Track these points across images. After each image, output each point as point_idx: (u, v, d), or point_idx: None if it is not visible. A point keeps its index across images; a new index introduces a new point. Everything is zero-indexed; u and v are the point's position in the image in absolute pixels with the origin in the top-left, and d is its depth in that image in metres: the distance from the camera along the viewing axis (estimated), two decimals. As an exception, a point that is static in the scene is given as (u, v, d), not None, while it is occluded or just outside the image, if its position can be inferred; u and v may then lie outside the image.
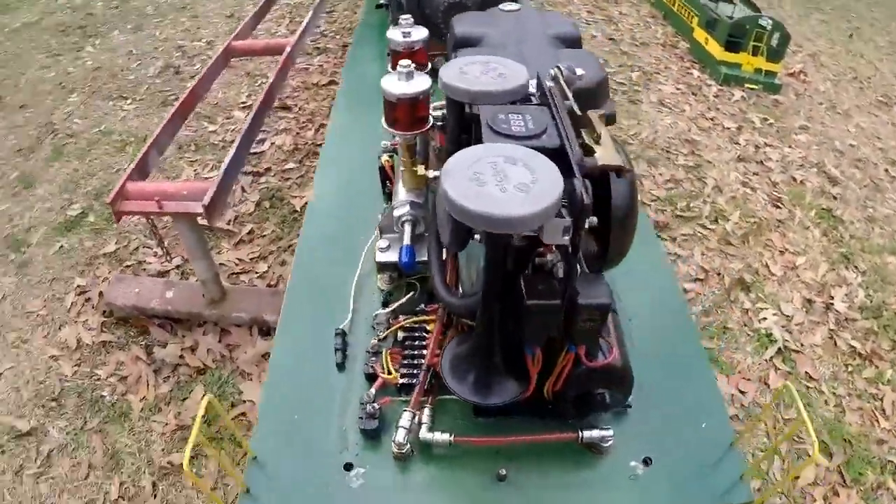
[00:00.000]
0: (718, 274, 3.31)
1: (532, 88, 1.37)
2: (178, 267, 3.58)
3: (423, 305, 1.60)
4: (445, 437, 1.34)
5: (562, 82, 1.28)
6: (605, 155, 1.11)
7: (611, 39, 5.55)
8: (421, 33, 1.82)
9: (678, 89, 4.87)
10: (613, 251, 1.20)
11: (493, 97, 1.26)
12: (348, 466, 1.36)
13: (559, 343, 1.23)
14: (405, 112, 1.54)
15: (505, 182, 0.99)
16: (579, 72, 1.29)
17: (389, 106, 1.55)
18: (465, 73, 1.31)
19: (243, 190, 4.17)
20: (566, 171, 1.03)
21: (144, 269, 3.60)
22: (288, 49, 3.84)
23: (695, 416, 1.44)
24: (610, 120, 1.46)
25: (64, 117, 5.10)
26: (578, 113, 1.20)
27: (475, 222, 0.97)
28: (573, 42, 1.72)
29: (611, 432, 1.34)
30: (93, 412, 2.86)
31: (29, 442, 2.76)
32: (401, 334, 1.55)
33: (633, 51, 5.36)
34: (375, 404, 1.40)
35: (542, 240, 1.03)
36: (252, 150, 4.44)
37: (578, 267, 1.17)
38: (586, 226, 1.04)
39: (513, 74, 1.31)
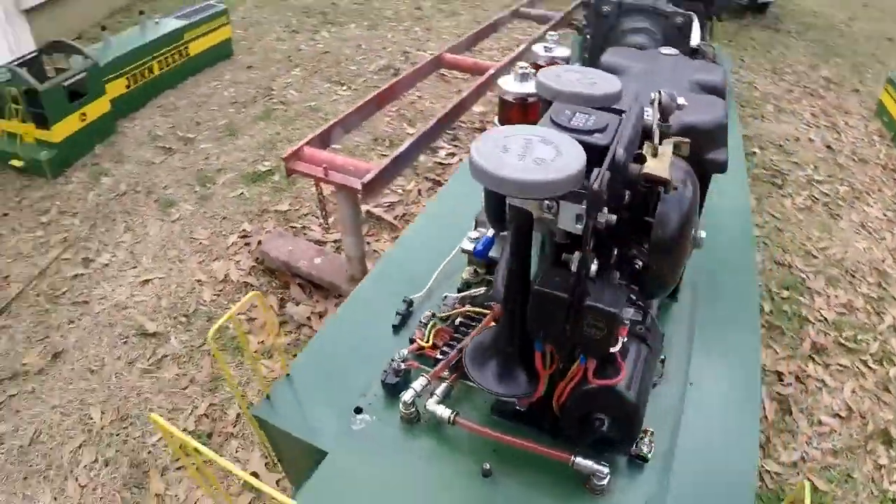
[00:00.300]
0: (863, 417, 2.94)
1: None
2: (335, 241, 3.89)
3: (492, 303, 1.64)
4: (447, 413, 1.41)
5: (657, 103, 1.33)
6: (655, 166, 1.16)
7: (828, 147, 5.20)
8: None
9: (885, 215, 4.40)
10: (652, 273, 1.23)
11: (577, 98, 1.32)
12: (358, 410, 1.50)
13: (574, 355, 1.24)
14: (518, 112, 1.67)
15: (527, 155, 1.06)
16: (680, 101, 1.33)
17: (505, 105, 1.68)
18: (560, 76, 1.39)
19: (419, 193, 4.44)
20: (598, 164, 1.08)
21: (305, 234, 3.97)
22: (490, 72, 4.09)
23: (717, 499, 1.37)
24: (718, 167, 1.57)
25: (283, 86, 5.84)
26: (654, 128, 1.25)
27: (482, 178, 1.03)
28: (714, 90, 1.75)
29: (606, 470, 1.31)
30: (214, 337, 3.19)
31: (150, 342, 3.17)
32: (459, 319, 1.64)
33: (849, 165, 4.97)
34: (403, 364, 1.52)
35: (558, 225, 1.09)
36: (438, 161, 4.78)
37: (620, 283, 1.21)
38: (602, 221, 1.07)
39: (605, 84, 1.36)
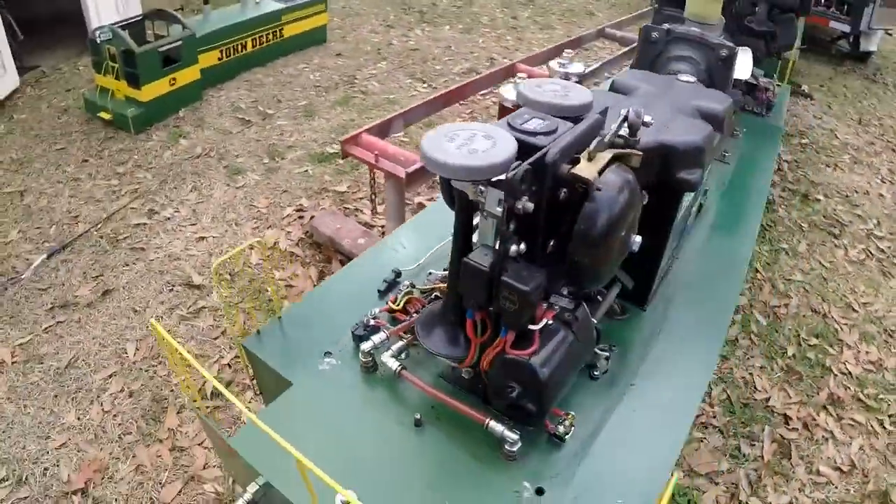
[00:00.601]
0: (865, 475, 2.73)
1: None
2: (382, 226, 4.00)
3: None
4: (395, 365, 1.61)
5: (623, 119, 1.47)
6: (583, 168, 1.33)
7: (897, 205, 4.95)
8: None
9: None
10: (576, 264, 1.38)
11: (544, 107, 1.51)
12: (327, 353, 1.72)
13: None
14: None
15: (466, 145, 1.29)
16: (647, 119, 1.48)
17: (504, 110, 1.89)
18: (539, 87, 1.58)
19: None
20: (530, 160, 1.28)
21: (356, 215, 4.10)
22: None
23: (620, 495, 1.44)
24: (688, 186, 1.72)
25: (366, 76, 6.06)
26: (607, 138, 1.41)
27: (424, 160, 1.27)
28: (713, 117, 1.89)
29: (515, 437, 1.44)
30: (252, 297, 3.36)
31: (193, 293, 3.35)
32: (436, 294, 1.81)
33: (917, 225, 4.71)
34: (373, 320, 1.74)
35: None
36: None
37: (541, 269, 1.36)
38: (520, 207, 1.24)
39: (576, 97, 1.54)
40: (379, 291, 1.92)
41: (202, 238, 3.78)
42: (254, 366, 1.80)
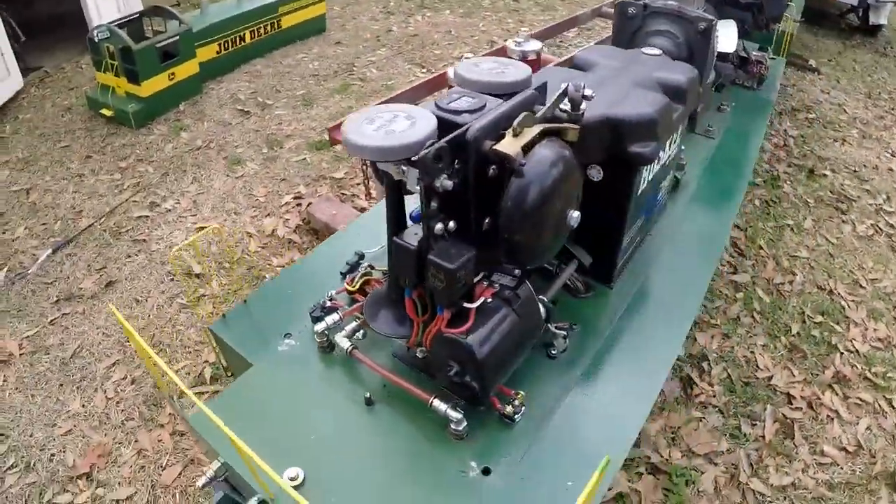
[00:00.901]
0: (872, 456, 2.69)
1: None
2: (381, 211, 4.07)
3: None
4: (347, 345, 1.66)
5: (563, 92, 1.48)
6: (507, 144, 1.32)
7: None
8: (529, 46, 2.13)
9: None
10: (506, 241, 1.38)
11: (478, 85, 1.52)
12: (287, 335, 1.80)
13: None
14: None
15: (385, 126, 1.31)
16: (587, 92, 1.48)
17: None
18: (477, 66, 1.59)
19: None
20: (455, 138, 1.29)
21: (352, 201, 4.16)
22: (550, 66, 4.13)
23: (570, 476, 1.45)
24: (641, 159, 1.70)
25: (365, 64, 6.11)
26: (535, 115, 1.42)
27: (343, 141, 1.31)
28: (674, 90, 1.88)
29: (459, 416, 1.46)
30: (250, 284, 3.44)
31: (193, 282, 3.44)
32: None
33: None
34: (329, 301, 1.80)
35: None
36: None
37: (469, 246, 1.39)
38: (439, 185, 1.26)
39: (513, 74, 1.54)
40: (341, 274, 1.97)
41: (202, 228, 3.86)
42: (222, 349, 1.87)
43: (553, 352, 1.72)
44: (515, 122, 1.36)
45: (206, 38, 5.35)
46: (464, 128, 1.32)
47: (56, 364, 3.01)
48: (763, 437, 2.78)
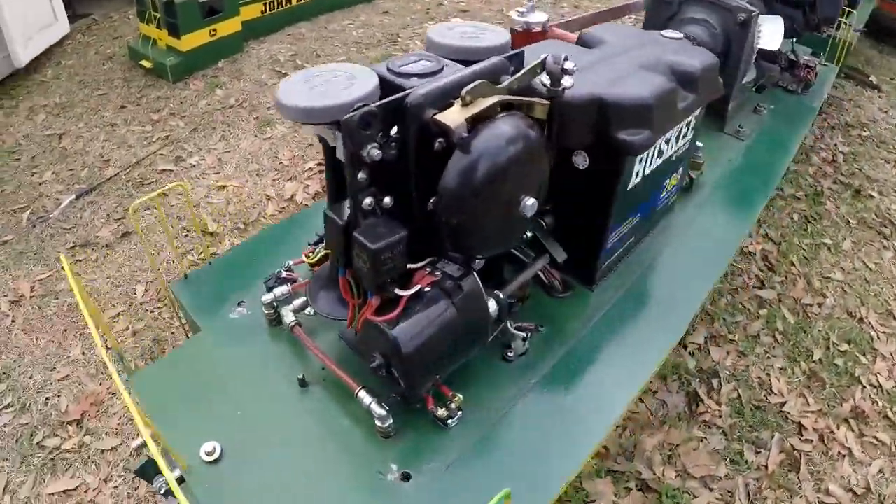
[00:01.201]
0: (881, 502, 2.54)
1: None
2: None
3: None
4: (290, 320, 1.61)
5: (540, 63, 1.36)
6: (451, 113, 1.19)
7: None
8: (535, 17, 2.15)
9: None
10: (445, 225, 1.26)
11: (446, 49, 1.45)
12: (241, 303, 1.76)
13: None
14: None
15: (321, 87, 1.22)
16: (568, 65, 1.35)
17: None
18: (451, 30, 1.52)
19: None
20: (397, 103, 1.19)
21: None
22: None
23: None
24: (628, 148, 1.53)
25: (409, 36, 6.01)
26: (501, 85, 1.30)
27: (275, 104, 1.22)
28: (685, 76, 1.70)
29: (383, 412, 1.37)
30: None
31: (207, 239, 3.46)
32: None
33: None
34: (285, 272, 1.74)
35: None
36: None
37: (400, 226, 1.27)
38: (364, 154, 1.15)
39: (488, 40, 1.46)
40: (309, 244, 1.83)
41: (223, 187, 3.88)
42: (182, 307, 1.85)
43: (510, 354, 1.60)
44: (464, 90, 1.21)
45: (251, -3, 5.35)
46: (404, 93, 1.20)
47: (63, 309, 3.07)
48: (766, 466, 2.64)
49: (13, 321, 3.01)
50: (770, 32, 2.43)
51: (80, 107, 4.66)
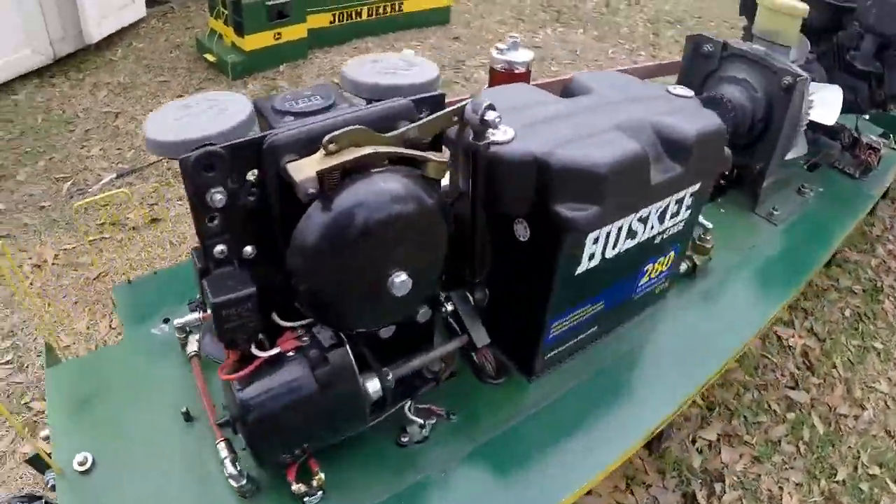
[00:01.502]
0: None
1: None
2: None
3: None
4: (192, 350, 1.58)
5: (456, 111, 1.23)
6: (305, 164, 1.07)
7: None
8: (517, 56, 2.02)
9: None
10: (295, 286, 1.15)
11: (356, 87, 1.33)
12: (166, 320, 1.74)
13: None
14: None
15: (188, 118, 1.14)
16: (490, 116, 1.20)
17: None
18: (377, 62, 1.39)
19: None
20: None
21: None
22: None
23: None
24: (566, 224, 1.33)
25: (477, 65, 6.09)
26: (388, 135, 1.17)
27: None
28: (677, 144, 1.46)
29: (234, 471, 1.31)
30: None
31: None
32: None
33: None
34: None
35: None
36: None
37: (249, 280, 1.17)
38: (208, 198, 1.06)
39: (413, 77, 1.33)
40: None
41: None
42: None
43: (404, 439, 1.46)
44: (327, 137, 1.06)
45: (321, 5, 5.52)
46: (262, 134, 1.09)
47: (79, 282, 3.18)
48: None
49: (31, 284, 3.13)
50: (824, 103, 2.23)
51: (140, 90, 4.87)
